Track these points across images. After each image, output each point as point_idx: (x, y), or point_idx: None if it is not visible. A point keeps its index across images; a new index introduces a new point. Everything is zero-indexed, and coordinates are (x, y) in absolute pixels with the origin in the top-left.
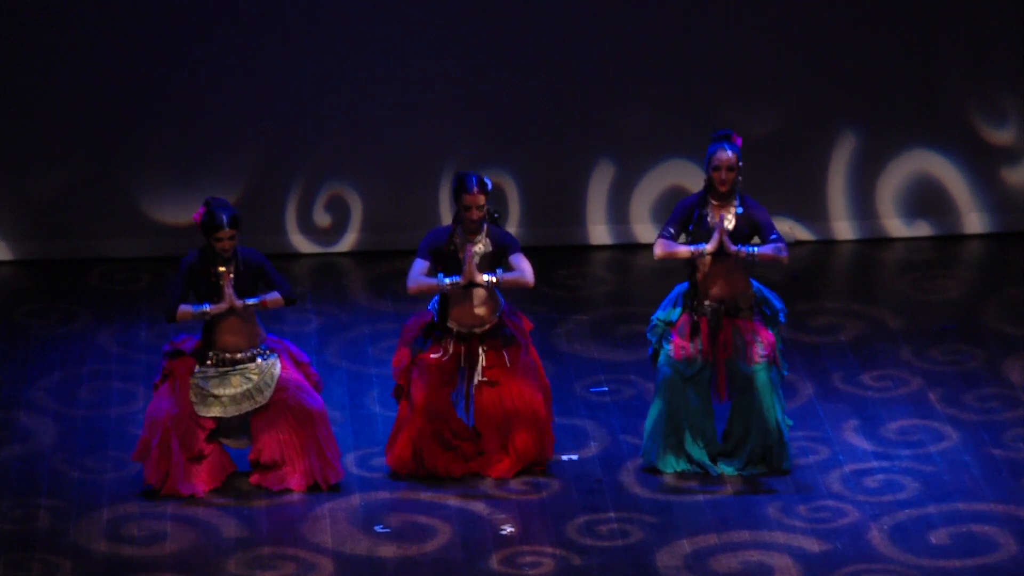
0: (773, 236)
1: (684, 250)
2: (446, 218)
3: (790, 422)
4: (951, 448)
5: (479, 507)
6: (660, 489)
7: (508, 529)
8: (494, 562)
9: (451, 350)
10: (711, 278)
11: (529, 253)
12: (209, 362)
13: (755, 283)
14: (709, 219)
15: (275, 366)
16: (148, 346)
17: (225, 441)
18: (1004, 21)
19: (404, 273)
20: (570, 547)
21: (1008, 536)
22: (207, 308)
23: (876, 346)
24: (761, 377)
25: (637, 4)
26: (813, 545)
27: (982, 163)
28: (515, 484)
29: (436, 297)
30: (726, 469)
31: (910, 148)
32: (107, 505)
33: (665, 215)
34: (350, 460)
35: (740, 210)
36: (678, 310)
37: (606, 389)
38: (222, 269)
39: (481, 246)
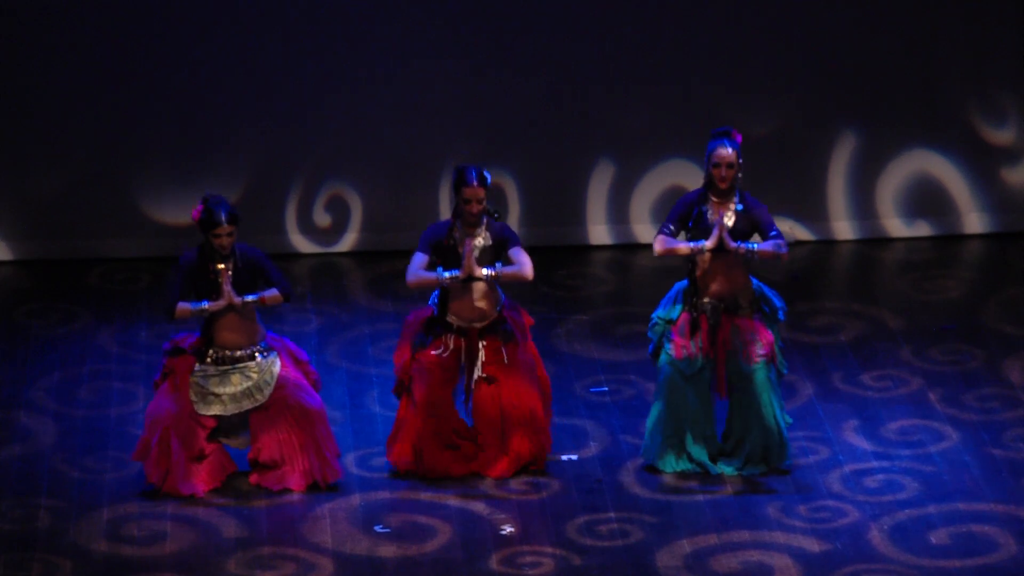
0: (773, 233)
1: (684, 247)
2: (446, 218)
3: (789, 420)
4: (951, 448)
5: (479, 507)
6: (660, 489)
7: (508, 529)
8: (494, 562)
9: (451, 346)
10: (710, 275)
11: (529, 253)
12: (209, 360)
13: (755, 281)
14: (709, 216)
15: (275, 364)
16: (148, 346)
17: (225, 440)
18: (1004, 21)
19: (404, 273)
20: (570, 547)
21: (1008, 536)
22: (206, 305)
23: (876, 346)
24: (759, 376)
25: (637, 4)
26: (813, 545)
27: (982, 163)
28: (515, 484)
29: (437, 291)
30: (726, 469)
31: (910, 148)
32: (107, 505)
33: (665, 215)
34: (350, 460)
35: (740, 207)
36: (679, 307)
37: (606, 389)
38: (221, 266)
39: (480, 240)
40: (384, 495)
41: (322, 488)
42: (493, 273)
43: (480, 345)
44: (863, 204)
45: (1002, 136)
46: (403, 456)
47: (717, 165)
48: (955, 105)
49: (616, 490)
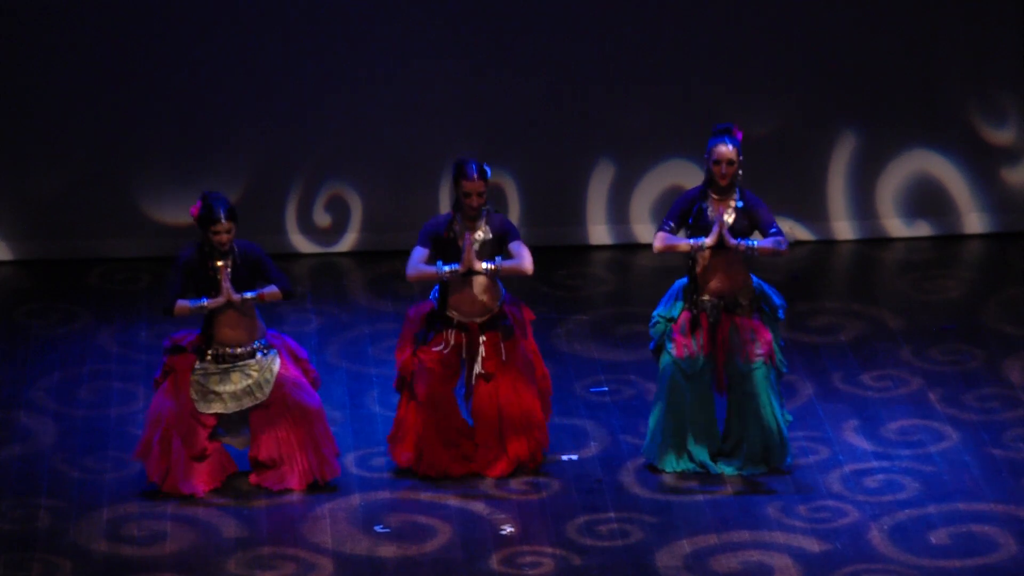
0: (773, 230)
1: (684, 243)
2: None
3: (789, 417)
4: (951, 448)
5: (479, 507)
6: (660, 489)
7: (508, 529)
8: (494, 562)
9: (452, 341)
10: (710, 271)
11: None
12: (209, 357)
13: (755, 279)
14: (709, 213)
15: (274, 362)
16: (148, 346)
17: (225, 439)
18: (1004, 21)
19: (404, 274)
20: (570, 547)
21: (1008, 536)
22: (205, 302)
23: (876, 346)
24: (758, 376)
25: (637, 4)
26: (813, 545)
27: (982, 163)
28: (515, 484)
29: (437, 286)
30: (726, 469)
31: (910, 148)
32: (107, 505)
33: (665, 214)
34: (350, 460)
35: (740, 204)
36: (679, 304)
37: (606, 389)
38: (220, 263)
39: (480, 233)
40: (384, 495)
41: (321, 486)
42: (493, 267)
43: (480, 340)
44: (863, 204)
45: (1002, 136)
46: (405, 453)
47: (717, 162)
48: (955, 105)
49: (616, 490)
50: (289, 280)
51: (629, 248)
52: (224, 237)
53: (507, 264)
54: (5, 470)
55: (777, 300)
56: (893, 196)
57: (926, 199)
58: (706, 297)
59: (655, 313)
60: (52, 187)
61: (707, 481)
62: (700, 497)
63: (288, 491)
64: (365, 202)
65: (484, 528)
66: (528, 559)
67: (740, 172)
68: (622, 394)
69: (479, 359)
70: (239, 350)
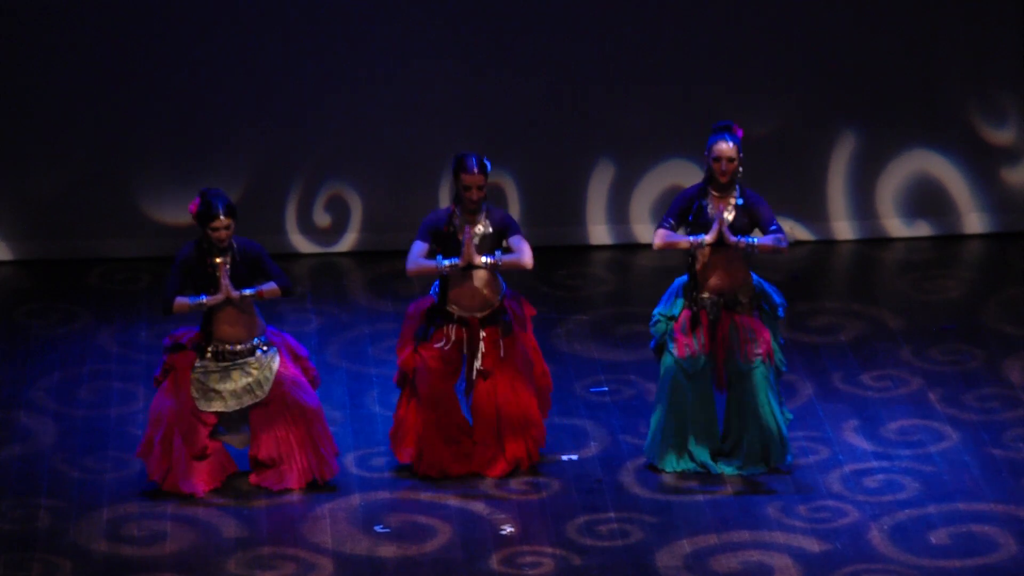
0: (773, 227)
1: (683, 241)
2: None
3: (790, 416)
4: (951, 448)
5: (479, 507)
6: (660, 489)
7: (508, 529)
8: (494, 562)
9: (453, 337)
10: (710, 269)
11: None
12: (209, 354)
13: (755, 277)
14: (709, 210)
15: (274, 360)
16: (148, 346)
17: (225, 438)
18: (1004, 21)
19: (404, 274)
20: (570, 547)
21: (1008, 536)
22: (204, 299)
23: (876, 346)
24: (756, 375)
25: (637, 4)
26: (813, 545)
27: (982, 163)
28: (515, 484)
29: (438, 281)
30: (726, 469)
31: (910, 148)
32: (107, 505)
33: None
34: (350, 460)
35: (740, 201)
36: (680, 302)
37: (606, 389)
38: (219, 260)
39: (481, 227)
40: (384, 495)
41: (320, 485)
42: (492, 261)
43: (481, 336)
44: (863, 204)
45: (1002, 136)
46: (407, 449)
47: (717, 159)
48: (955, 105)
49: (616, 490)
50: (288, 277)
51: (629, 248)
52: (223, 234)
53: (507, 258)
54: (5, 470)
55: (777, 298)
56: (893, 196)
57: (926, 199)
58: (706, 295)
59: (655, 311)
60: (52, 187)
61: (707, 481)
62: (700, 497)
63: (288, 491)
64: (365, 202)
65: (484, 528)
66: (528, 559)
67: (740, 169)
68: (622, 394)
69: (479, 355)
70: (239, 347)
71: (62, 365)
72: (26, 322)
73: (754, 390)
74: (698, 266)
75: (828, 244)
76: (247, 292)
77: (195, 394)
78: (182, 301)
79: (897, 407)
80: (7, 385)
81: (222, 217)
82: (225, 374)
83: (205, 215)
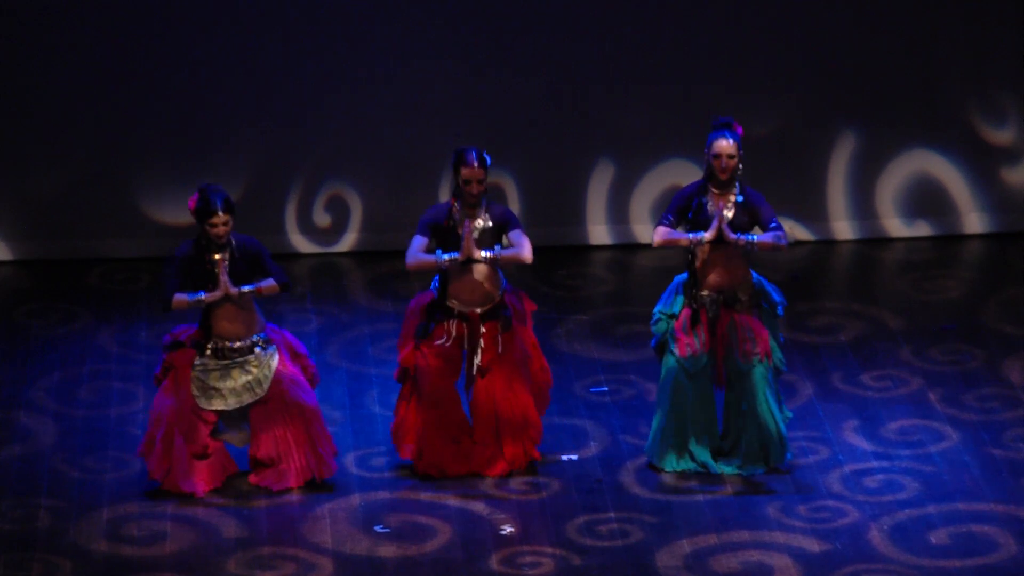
0: (772, 224)
1: (683, 238)
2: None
3: (789, 414)
4: (951, 448)
5: (479, 507)
6: (660, 489)
7: (508, 529)
8: (494, 562)
9: (454, 333)
10: (709, 266)
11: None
12: (208, 351)
13: (755, 275)
14: (709, 207)
15: (273, 358)
16: (148, 346)
17: (225, 436)
18: (1004, 21)
19: (404, 273)
20: (570, 547)
21: (1008, 536)
22: (202, 296)
23: (876, 346)
24: (755, 374)
25: (637, 4)
26: (813, 545)
27: (982, 163)
28: (515, 484)
29: (438, 276)
30: (726, 469)
31: (910, 148)
32: (107, 505)
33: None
34: (350, 460)
35: (740, 198)
36: (680, 299)
37: (606, 389)
38: (217, 256)
39: (480, 221)
40: (384, 495)
41: (318, 484)
42: (492, 255)
43: (481, 331)
44: (863, 204)
45: (1002, 136)
46: (408, 446)
47: (717, 156)
48: (955, 105)
49: (616, 490)
50: (287, 274)
51: (629, 248)
52: (221, 230)
53: (506, 253)
54: (5, 470)
55: (776, 297)
56: (893, 196)
57: (926, 199)
58: (705, 292)
59: (656, 309)
60: (52, 187)
61: (707, 481)
62: (700, 497)
63: (288, 491)
64: (365, 202)
65: (484, 528)
66: (528, 559)
67: (740, 167)
68: (622, 394)
69: (479, 351)
70: (238, 344)
71: (62, 365)
72: (26, 322)
73: (753, 389)
74: (697, 263)
75: (828, 244)
76: (246, 289)
77: (195, 392)
78: (180, 298)
79: (897, 407)
80: (7, 385)
81: (220, 213)
82: (225, 372)
83: (204, 211)
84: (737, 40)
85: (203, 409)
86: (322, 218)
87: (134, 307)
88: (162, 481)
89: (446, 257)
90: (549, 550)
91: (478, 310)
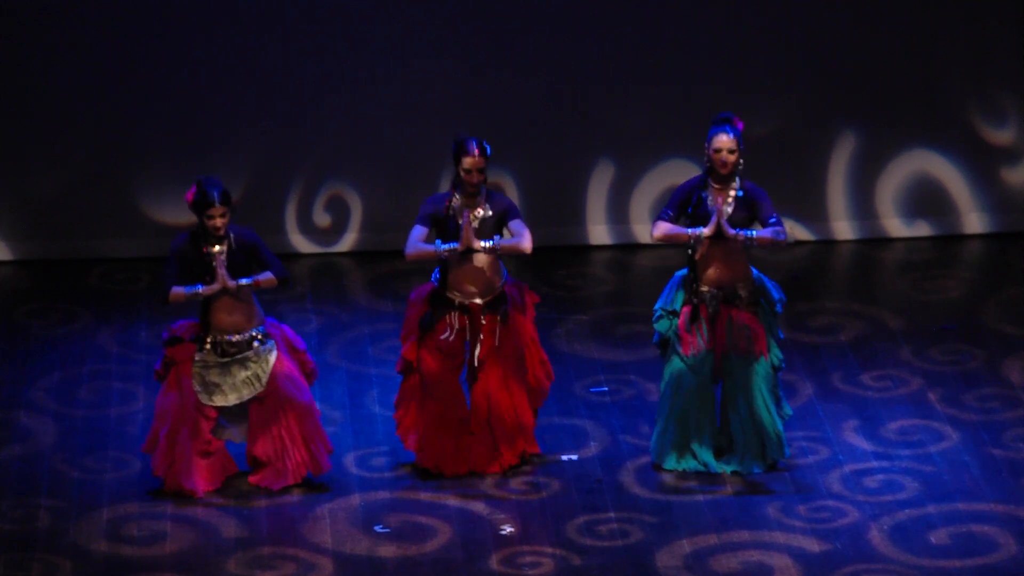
0: (772, 220)
1: (682, 233)
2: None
3: (789, 411)
4: (951, 448)
5: (479, 507)
6: (660, 489)
7: (508, 529)
8: (494, 562)
9: (456, 325)
10: (709, 261)
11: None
12: (208, 345)
13: (755, 271)
14: (709, 202)
15: (271, 354)
16: (148, 346)
17: (226, 434)
18: (1004, 21)
19: (404, 273)
20: (570, 547)
21: (1008, 536)
22: (200, 289)
23: (876, 346)
24: (752, 372)
25: (637, 4)
26: (813, 545)
27: (982, 163)
28: (515, 484)
29: (438, 267)
30: (726, 468)
31: (910, 148)
32: (107, 505)
33: (665, 204)
34: (350, 460)
35: (740, 193)
36: (680, 295)
37: (606, 389)
38: (215, 249)
39: (480, 211)
40: (384, 495)
41: (315, 482)
42: (491, 245)
43: (482, 322)
44: (863, 204)
45: (1002, 136)
46: (412, 438)
47: (717, 151)
48: (955, 105)
49: (616, 490)
50: (285, 266)
51: (629, 248)
52: (218, 222)
53: (506, 243)
54: (5, 470)
55: (776, 294)
56: (893, 196)
57: (926, 199)
58: (705, 288)
59: (657, 306)
60: (52, 187)
61: (707, 481)
62: (700, 497)
63: (288, 491)
64: (365, 202)
65: (484, 528)
66: (528, 559)
67: (741, 162)
68: (622, 394)
69: (478, 344)
70: (236, 337)
71: (62, 365)
72: (26, 322)
73: (749, 387)
74: (697, 258)
75: (828, 244)
76: (244, 281)
77: (197, 387)
78: (178, 291)
79: (897, 407)
80: (7, 385)
81: (217, 205)
82: (225, 369)
83: (201, 203)
84: (737, 40)
85: (205, 405)
86: (322, 218)
87: (134, 307)
88: (164, 477)
89: (445, 247)
90: (549, 550)
91: (479, 301)
